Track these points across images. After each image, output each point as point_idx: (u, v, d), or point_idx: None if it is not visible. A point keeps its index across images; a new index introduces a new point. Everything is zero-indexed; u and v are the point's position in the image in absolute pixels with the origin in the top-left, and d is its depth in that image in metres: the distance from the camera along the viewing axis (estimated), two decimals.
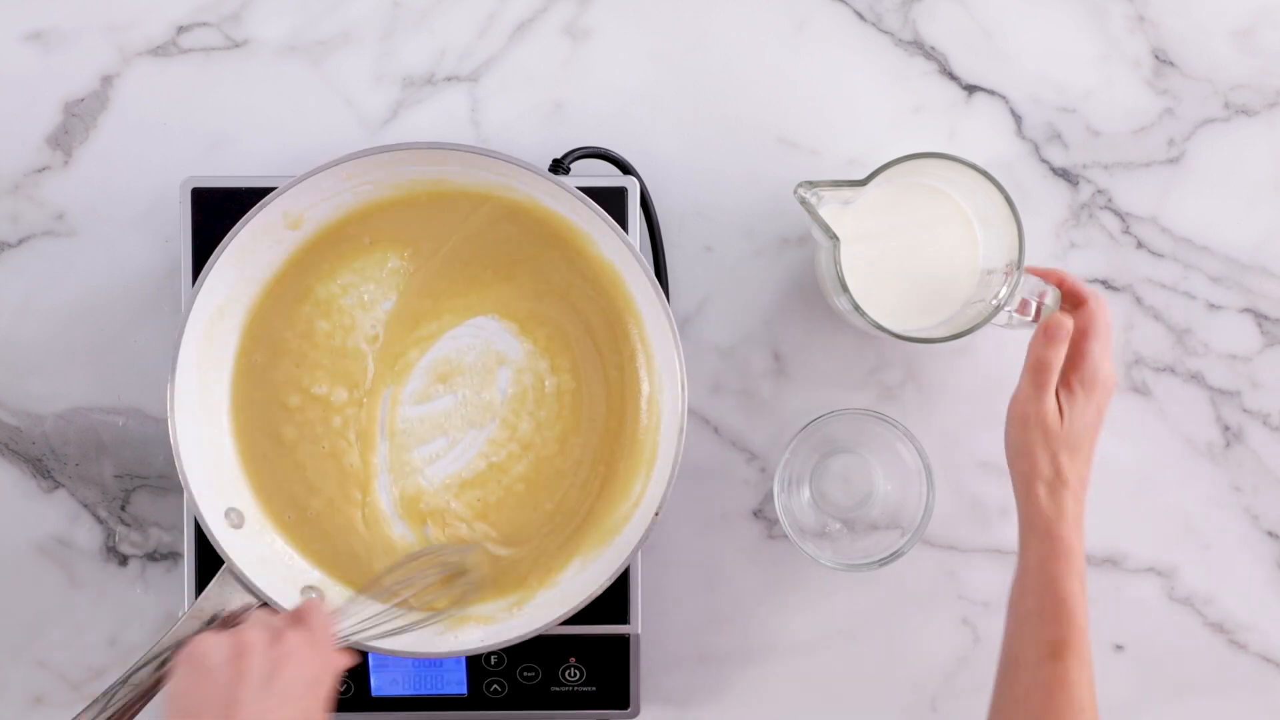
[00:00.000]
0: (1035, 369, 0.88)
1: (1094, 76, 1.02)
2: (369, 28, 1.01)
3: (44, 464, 1.02)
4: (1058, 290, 0.91)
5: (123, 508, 1.02)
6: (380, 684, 0.97)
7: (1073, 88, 1.02)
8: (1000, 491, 1.01)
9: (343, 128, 1.02)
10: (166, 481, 1.02)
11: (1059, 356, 0.88)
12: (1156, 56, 1.02)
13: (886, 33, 1.02)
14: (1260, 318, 1.02)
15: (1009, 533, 1.00)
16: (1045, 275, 0.92)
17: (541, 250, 0.95)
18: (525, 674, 0.97)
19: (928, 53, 1.02)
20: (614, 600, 0.95)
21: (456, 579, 0.92)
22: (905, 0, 1.01)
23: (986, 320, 0.91)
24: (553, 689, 0.97)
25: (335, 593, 0.93)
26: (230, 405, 0.94)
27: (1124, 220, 1.02)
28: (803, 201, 0.90)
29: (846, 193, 0.91)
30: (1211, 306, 1.02)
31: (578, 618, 0.91)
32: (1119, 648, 1.03)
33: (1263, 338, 1.03)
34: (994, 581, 1.02)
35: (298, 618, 0.79)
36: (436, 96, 1.02)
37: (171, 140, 1.01)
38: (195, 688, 0.73)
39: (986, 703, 0.88)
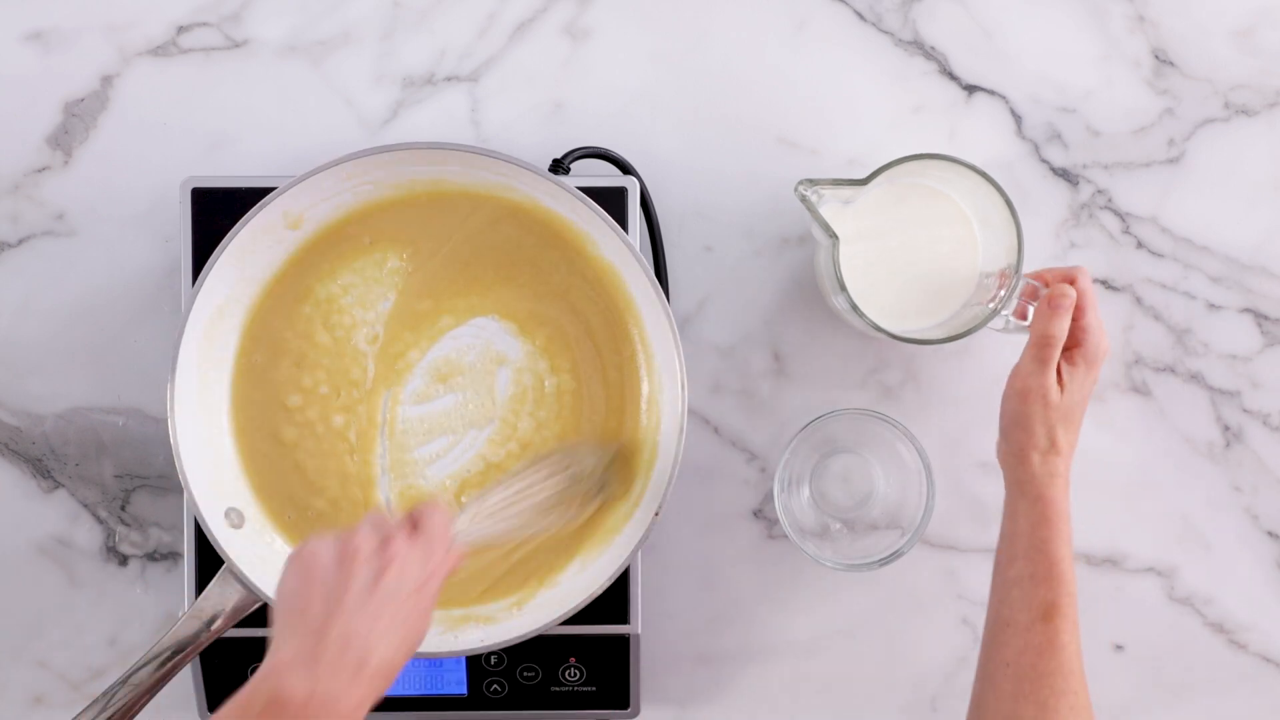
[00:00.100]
0: (1041, 344, 0.89)
1: (1094, 76, 1.02)
2: (369, 28, 1.01)
3: (44, 464, 1.02)
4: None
5: (123, 508, 1.02)
6: None
7: (1073, 88, 1.02)
8: (1001, 491, 1.01)
9: (343, 128, 1.02)
10: (166, 481, 1.02)
11: (1064, 330, 0.89)
12: (1156, 56, 1.02)
13: (886, 33, 1.02)
14: (1260, 318, 1.02)
15: None
16: (1037, 278, 0.92)
17: (541, 250, 0.95)
18: (525, 674, 0.97)
19: (928, 53, 1.02)
20: (614, 600, 0.95)
21: (576, 485, 0.91)
22: (905, 0, 1.01)
23: (983, 324, 0.91)
24: (553, 689, 0.97)
25: None
26: (230, 405, 0.94)
27: (1124, 220, 1.02)
28: (803, 199, 0.90)
29: (847, 192, 0.91)
30: (1211, 306, 1.02)
31: (578, 618, 0.91)
32: (1119, 648, 1.03)
33: (1263, 338, 1.03)
34: None
35: (413, 521, 0.79)
36: (436, 96, 1.02)
37: (171, 140, 1.01)
38: (302, 589, 0.74)
39: None
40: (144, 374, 1.01)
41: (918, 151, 0.92)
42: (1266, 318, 1.02)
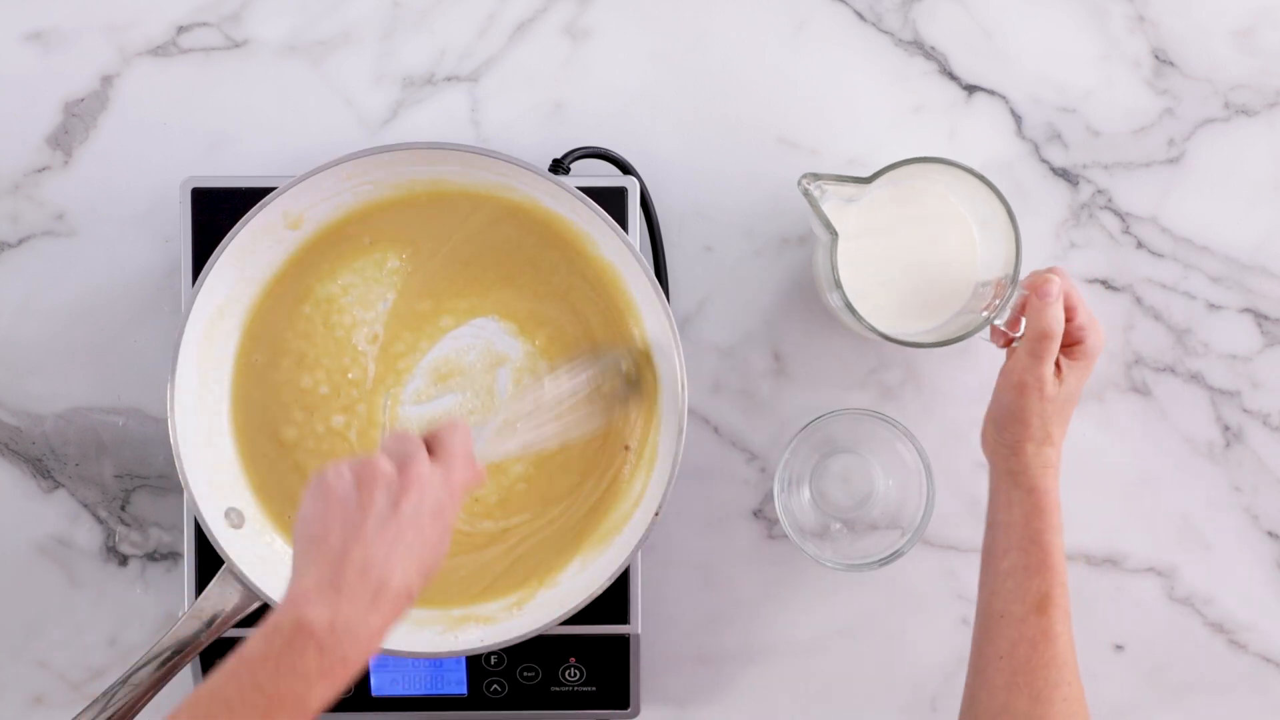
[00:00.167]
0: (1039, 338, 0.88)
1: (1094, 76, 1.02)
2: (369, 28, 1.01)
3: (44, 464, 1.02)
4: None
5: (123, 508, 1.02)
6: (380, 684, 0.97)
7: (1073, 88, 1.02)
8: None
9: (343, 128, 1.02)
10: (166, 481, 1.02)
11: (1059, 320, 0.87)
12: (1156, 56, 1.02)
13: (886, 33, 1.02)
14: (1260, 318, 1.02)
15: None
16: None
17: (541, 250, 0.95)
18: (525, 674, 0.97)
19: (928, 53, 1.02)
20: (614, 600, 0.95)
21: (601, 388, 0.91)
22: (905, 0, 1.01)
23: (976, 331, 0.91)
24: (553, 689, 0.97)
25: None
26: (230, 405, 0.94)
27: (1124, 220, 1.02)
28: (805, 193, 0.90)
29: (849, 190, 0.91)
30: (1211, 306, 1.02)
31: (578, 618, 0.91)
32: (1119, 648, 1.03)
33: (1263, 338, 1.03)
34: None
35: (433, 441, 0.79)
36: (436, 96, 1.02)
37: (171, 140, 1.01)
38: (321, 515, 0.74)
39: None
40: (144, 374, 1.01)
41: (918, 151, 0.92)
42: (1266, 318, 1.02)
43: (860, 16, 1.02)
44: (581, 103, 1.02)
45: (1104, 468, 1.02)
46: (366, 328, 0.95)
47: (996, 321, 0.90)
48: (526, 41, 1.02)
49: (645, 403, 0.93)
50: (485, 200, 0.94)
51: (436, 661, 0.96)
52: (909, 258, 0.95)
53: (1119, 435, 1.02)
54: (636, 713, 0.98)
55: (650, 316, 0.93)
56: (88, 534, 1.02)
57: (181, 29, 1.01)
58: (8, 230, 1.02)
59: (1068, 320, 0.88)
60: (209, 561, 0.92)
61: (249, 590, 0.88)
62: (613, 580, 0.91)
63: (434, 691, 0.97)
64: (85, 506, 1.02)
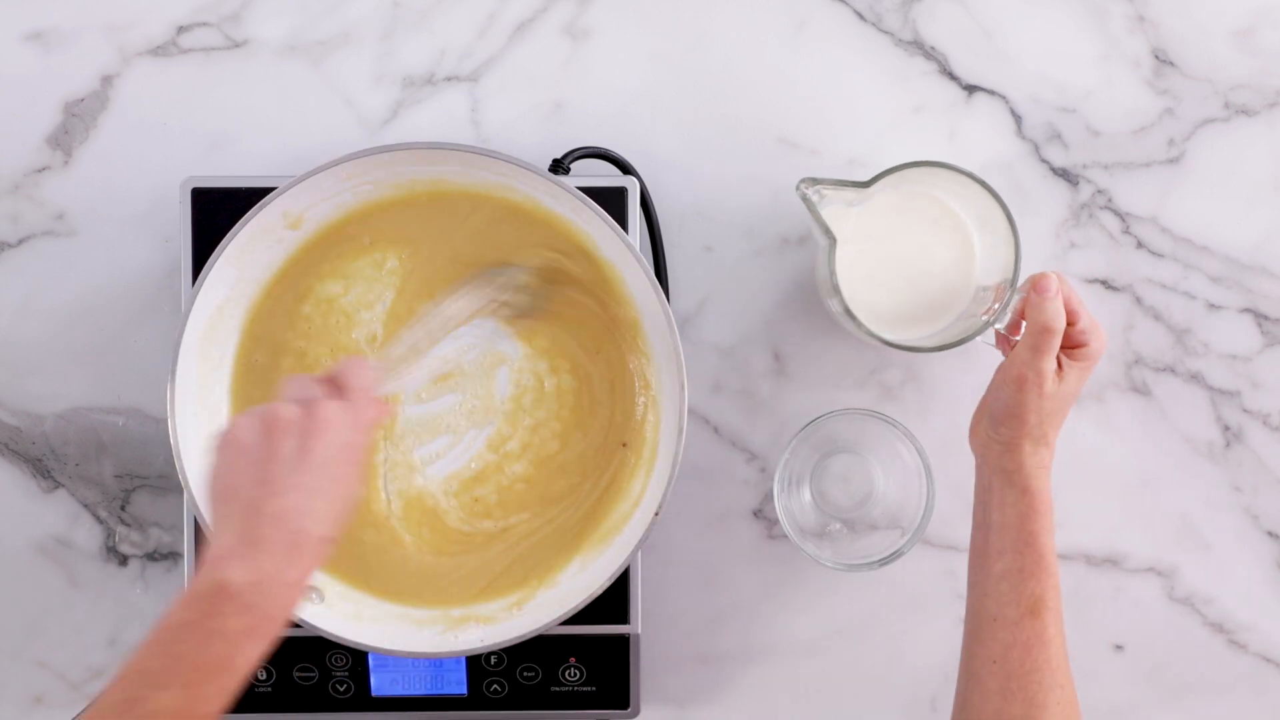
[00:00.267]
0: (1040, 332, 0.87)
1: (1094, 76, 1.02)
2: (369, 28, 1.01)
3: (44, 464, 1.02)
4: None
5: (123, 508, 1.02)
6: (380, 684, 0.97)
7: (1073, 88, 1.02)
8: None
9: (343, 128, 1.02)
10: (166, 481, 1.02)
11: (1059, 315, 0.87)
12: (1156, 56, 1.02)
13: (886, 33, 1.02)
14: (1260, 318, 1.02)
15: None
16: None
17: (541, 251, 0.95)
18: (525, 674, 0.97)
19: (928, 53, 1.02)
20: (614, 600, 0.95)
21: (493, 304, 0.92)
22: (905, 0, 1.01)
23: (974, 335, 0.91)
24: (553, 689, 0.97)
25: (336, 592, 0.93)
26: (230, 405, 0.94)
27: (1124, 220, 1.02)
28: (804, 198, 0.90)
29: (849, 193, 0.91)
30: (1211, 306, 1.02)
31: (578, 618, 0.91)
32: (1119, 648, 1.03)
33: (1263, 338, 1.03)
34: None
35: (334, 381, 0.78)
36: (436, 96, 1.02)
37: (171, 140, 1.01)
38: (231, 468, 0.73)
39: None
40: (144, 374, 1.01)
41: (918, 151, 0.92)
42: (1266, 318, 1.02)
43: (860, 16, 1.02)
44: (581, 103, 1.02)
45: (1104, 468, 1.02)
46: (366, 328, 0.95)
47: (997, 325, 0.90)
48: (526, 41, 1.02)
49: (544, 321, 0.93)
50: (485, 200, 0.94)
51: (436, 661, 0.96)
52: (908, 262, 0.95)
53: (1119, 435, 1.02)
54: (636, 713, 0.98)
55: (650, 316, 0.93)
56: (88, 534, 1.02)
57: (181, 29, 1.01)
58: (8, 230, 1.02)
59: (1069, 325, 0.88)
60: None
61: None
62: (613, 580, 0.91)
63: (434, 691, 0.97)
64: (85, 506, 1.02)
